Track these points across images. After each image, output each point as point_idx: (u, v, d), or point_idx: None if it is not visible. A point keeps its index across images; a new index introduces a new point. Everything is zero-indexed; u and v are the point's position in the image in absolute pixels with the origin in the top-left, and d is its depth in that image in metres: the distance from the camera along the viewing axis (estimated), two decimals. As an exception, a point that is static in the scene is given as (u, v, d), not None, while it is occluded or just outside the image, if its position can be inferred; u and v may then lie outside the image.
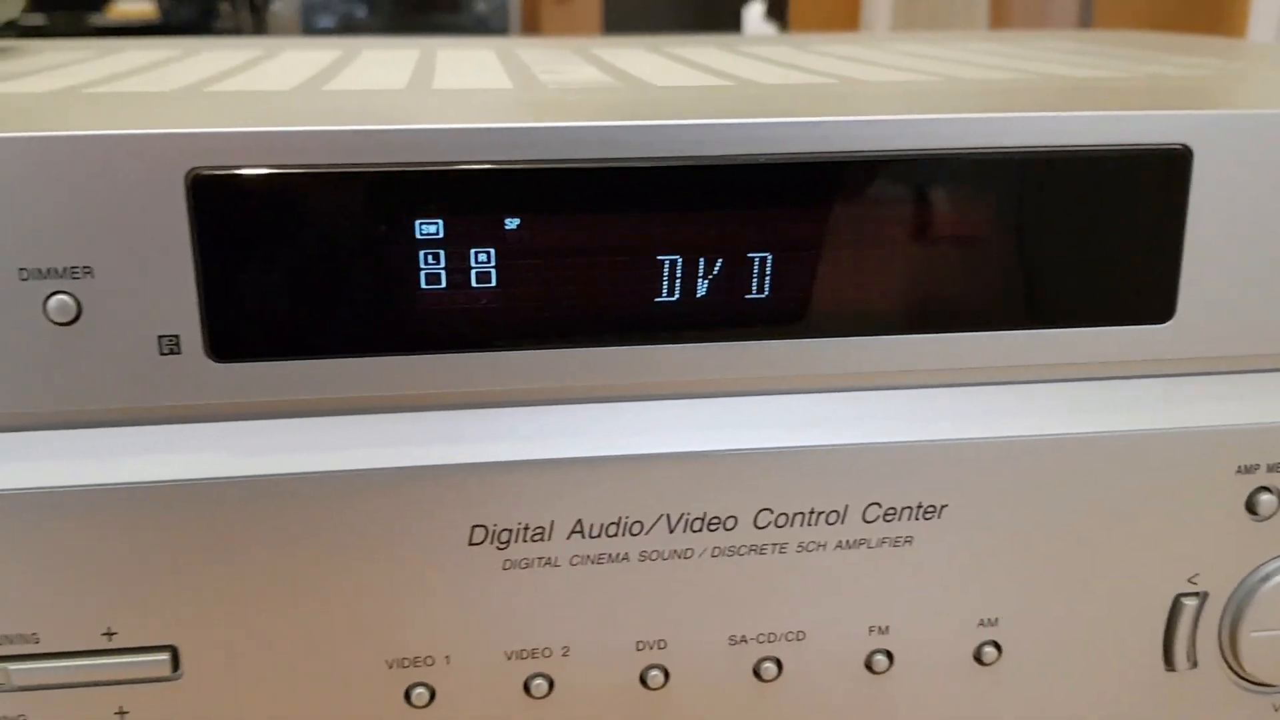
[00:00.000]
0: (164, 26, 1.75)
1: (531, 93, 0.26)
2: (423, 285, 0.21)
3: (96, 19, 1.65)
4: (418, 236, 0.20)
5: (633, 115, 0.21)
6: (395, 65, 0.33)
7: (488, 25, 2.09)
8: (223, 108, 0.23)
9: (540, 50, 0.40)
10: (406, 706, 0.22)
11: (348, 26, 2.14)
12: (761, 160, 0.20)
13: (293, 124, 0.20)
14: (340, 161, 0.20)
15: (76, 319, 0.20)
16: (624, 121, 0.20)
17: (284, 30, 2.06)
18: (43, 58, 0.36)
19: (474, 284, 0.21)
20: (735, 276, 0.21)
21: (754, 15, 1.34)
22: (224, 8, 1.87)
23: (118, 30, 1.63)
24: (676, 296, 0.21)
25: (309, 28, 2.11)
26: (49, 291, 0.19)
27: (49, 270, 0.19)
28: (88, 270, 0.19)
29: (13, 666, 0.21)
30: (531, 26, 2.15)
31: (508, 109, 0.23)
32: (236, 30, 1.81)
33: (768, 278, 0.21)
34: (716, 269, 0.21)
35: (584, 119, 0.21)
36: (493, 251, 0.21)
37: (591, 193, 0.21)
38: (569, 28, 2.13)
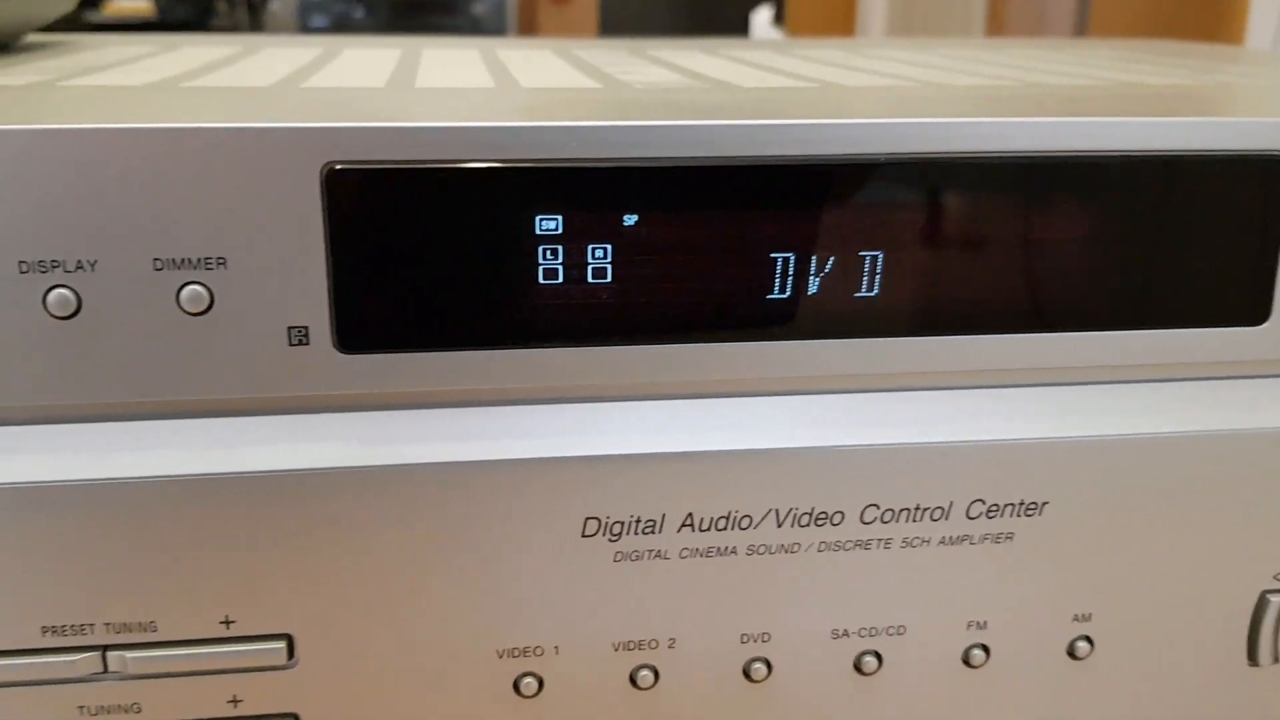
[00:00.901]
0: (160, 24, 1.74)
1: (620, 93, 0.26)
2: (541, 280, 0.21)
3: (92, 15, 1.64)
4: (537, 232, 0.21)
5: (735, 115, 0.21)
6: (468, 64, 0.33)
7: (484, 27, 2.09)
8: (335, 104, 0.23)
9: (601, 51, 0.40)
10: (515, 696, 0.23)
11: (343, 27, 2.13)
12: (881, 159, 0.21)
13: (421, 120, 0.20)
14: (468, 157, 0.20)
15: (209, 309, 0.20)
16: (741, 121, 0.21)
17: (281, 30, 2.05)
18: (106, 53, 0.36)
19: (590, 279, 0.21)
20: (846, 274, 0.22)
21: (762, 20, 1.34)
22: (221, 6, 1.86)
23: (114, 27, 1.62)
24: (788, 294, 0.22)
25: (305, 28, 2.10)
26: (182, 282, 0.20)
27: (183, 261, 0.20)
28: (221, 261, 0.20)
29: (129, 655, 0.21)
30: (528, 28, 2.15)
31: (604, 108, 0.23)
32: (233, 29, 1.81)
33: (878, 276, 0.22)
34: (828, 267, 0.22)
35: (690, 118, 0.21)
36: (610, 247, 0.21)
37: (707, 190, 0.21)
38: (565, 30, 2.13)
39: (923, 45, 0.46)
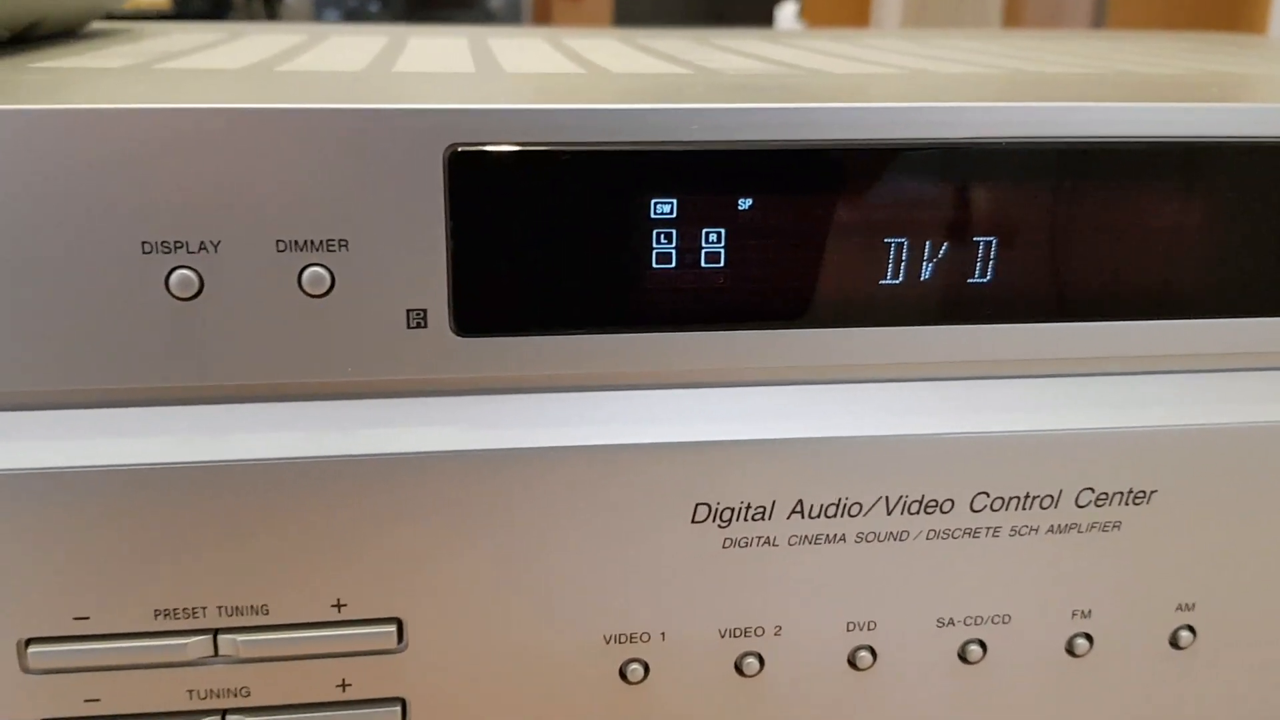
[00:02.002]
0: (177, 15, 1.75)
1: (709, 77, 0.26)
2: (654, 264, 0.21)
3: (111, 4, 1.64)
4: (653, 216, 0.21)
5: (843, 99, 0.21)
6: (535, 50, 0.33)
7: (499, 19, 2.09)
8: (435, 86, 0.23)
9: (666, 40, 0.40)
10: (621, 682, 0.22)
11: (358, 18, 2.13)
12: (1003, 145, 0.21)
13: (532, 102, 0.20)
14: (590, 140, 0.20)
15: (330, 291, 0.20)
16: (863, 104, 0.21)
17: (296, 21, 2.05)
18: (178, 39, 0.36)
19: (704, 264, 0.21)
20: (959, 260, 0.21)
21: (787, 14, 1.34)
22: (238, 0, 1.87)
23: (131, 17, 1.62)
24: (901, 279, 0.21)
25: (319, 19, 2.10)
26: (305, 264, 0.20)
27: (305, 243, 0.19)
28: (343, 243, 0.20)
29: (240, 638, 0.21)
30: (543, 21, 2.15)
31: (712, 91, 0.23)
32: (249, 20, 1.80)
33: (992, 262, 0.22)
34: (942, 252, 0.21)
35: (794, 101, 0.21)
36: (723, 231, 0.21)
37: (821, 174, 0.21)
38: (580, 23, 2.12)
39: (988, 35, 0.46)
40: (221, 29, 0.42)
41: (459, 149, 0.19)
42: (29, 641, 0.21)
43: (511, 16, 2.10)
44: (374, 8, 2.15)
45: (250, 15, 1.85)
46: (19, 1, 0.29)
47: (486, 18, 2.08)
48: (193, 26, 0.43)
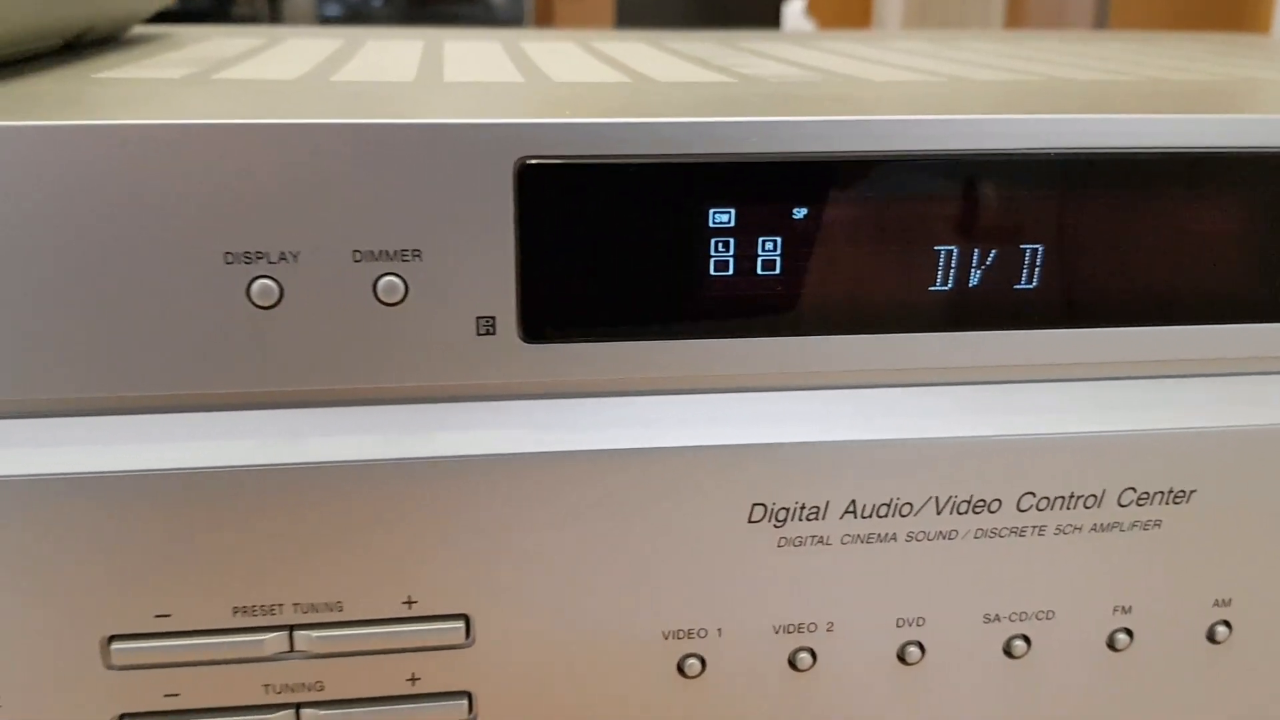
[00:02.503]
0: (182, 13, 1.75)
1: (754, 86, 0.27)
2: (712, 272, 0.21)
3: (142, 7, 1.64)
4: (712, 225, 0.21)
5: (891, 109, 0.22)
6: (575, 57, 0.34)
7: (501, 16, 2.09)
8: (493, 97, 0.24)
9: (693, 44, 0.41)
10: (679, 677, 0.23)
11: (361, 15, 2.12)
12: (1051, 156, 0.21)
13: (597, 116, 0.20)
14: (653, 153, 0.20)
15: (403, 300, 0.20)
16: (916, 116, 0.21)
17: (299, 18, 2.06)
18: (222, 44, 0.37)
19: (760, 271, 0.22)
20: (1007, 267, 0.22)
21: (794, 11, 1.34)
22: (242, -4, 1.87)
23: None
24: (950, 286, 0.22)
25: (323, 16, 2.10)
26: (379, 273, 0.20)
27: (380, 253, 0.20)
28: (417, 253, 0.20)
29: (315, 634, 0.22)
30: (545, 18, 2.15)
31: (740, 103, 0.24)
32: (253, 18, 1.81)
33: (1038, 269, 0.22)
34: (990, 259, 0.22)
35: (847, 113, 0.21)
36: (779, 240, 0.22)
37: (872, 184, 0.22)
38: (582, 19, 2.13)
39: (1005, 38, 0.47)
40: (257, 33, 0.43)
41: (529, 162, 0.20)
42: (111, 638, 0.21)
43: (514, 14, 2.10)
44: (377, 3, 2.15)
45: (254, 13, 1.85)
46: (72, 11, 0.30)
47: (489, 15, 2.08)
48: (228, 31, 0.43)
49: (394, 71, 0.29)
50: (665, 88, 0.26)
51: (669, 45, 0.41)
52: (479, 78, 0.28)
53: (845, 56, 0.36)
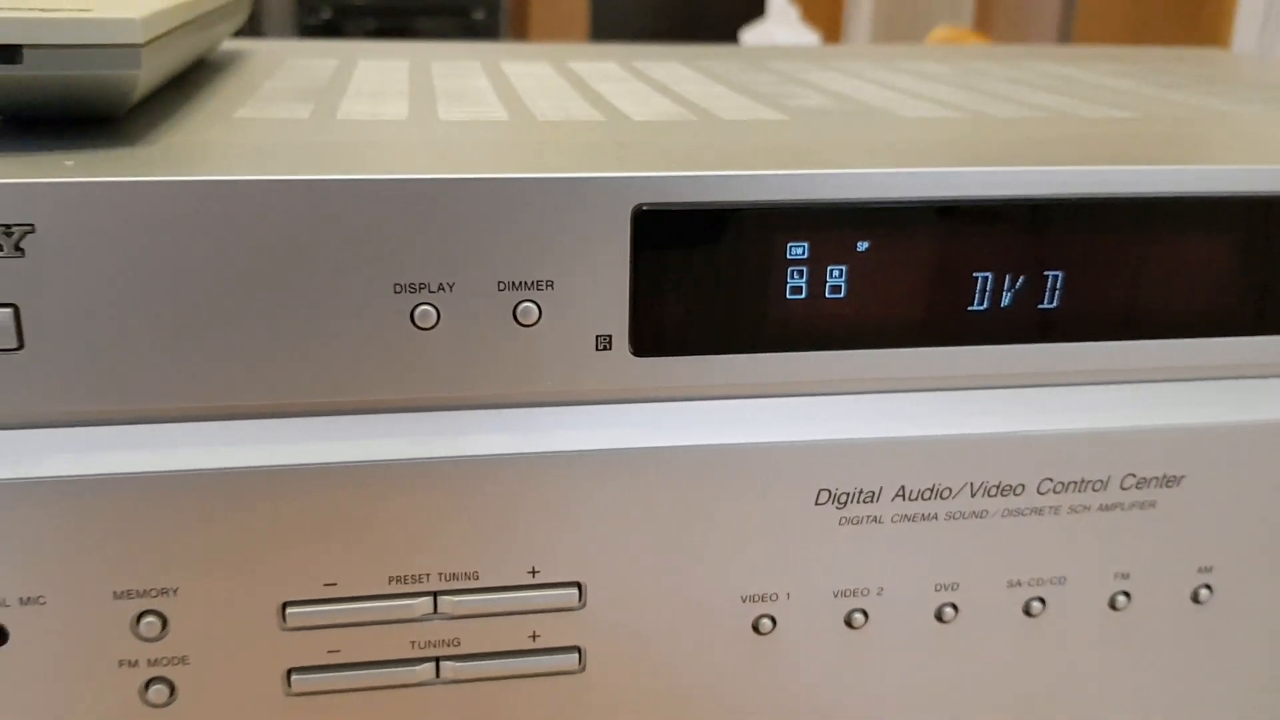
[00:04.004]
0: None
1: (808, 123, 0.31)
2: (788, 295, 0.26)
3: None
4: (788, 256, 0.25)
5: (929, 160, 0.26)
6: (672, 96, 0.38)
7: (480, 29, 2.09)
8: (642, 146, 0.28)
9: (724, 62, 0.44)
10: (753, 633, 0.28)
11: (342, 11, 2.12)
12: (1068, 199, 0.26)
13: (711, 169, 0.25)
14: (744, 199, 0.25)
15: (537, 322, 0.25)
16: (955, 169, 0.25)
17: (276, 20, 2.07)
18: (307, 70, 0.41)
19: (828, 294, 0.26)
20: (1032, 290, 0.27)
21: (779, 2, 1.38)
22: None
23: None
24: (985, 306, 0.27)
25: (302, 21, 2.10)
26: (519, 300, 0.24)
27: (519, 283, 0.24)
28: (549, 284, 0.24)
29: (456, 599, 0.26)
30: (520, 29, 2.17)
31: (804, 151, 0.28)
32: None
33: (1058, 292, 0.27)
34: (1019, 283, 0.26)
35: (897, 165, 0.26)
36: (845, 268, 0.26)
37: (922, 221, 0.26)
38: (558, 20, 2.15)
39: (1004, 58, 0.51)
40: (328, 51, 0.46)
41: (644, 207, 0.24)
42: (286, 604, 0.26)
43: (490, 26, 2.11)
44: (359, 2, 2.14)
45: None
46: (204, 44, 0.34)
47: (466, 28, 2.08)
48: (299, 49, 0.47)
49: (487, 109, 0.32)
50: (733, 127, 0.30)
51: (702, 64, 0.45)
52: (570, 115, 0.32)
53: (868, 82, 0.41)
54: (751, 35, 1.41)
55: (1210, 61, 0.51)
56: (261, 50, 0.46)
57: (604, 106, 0.33)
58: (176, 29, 0.28)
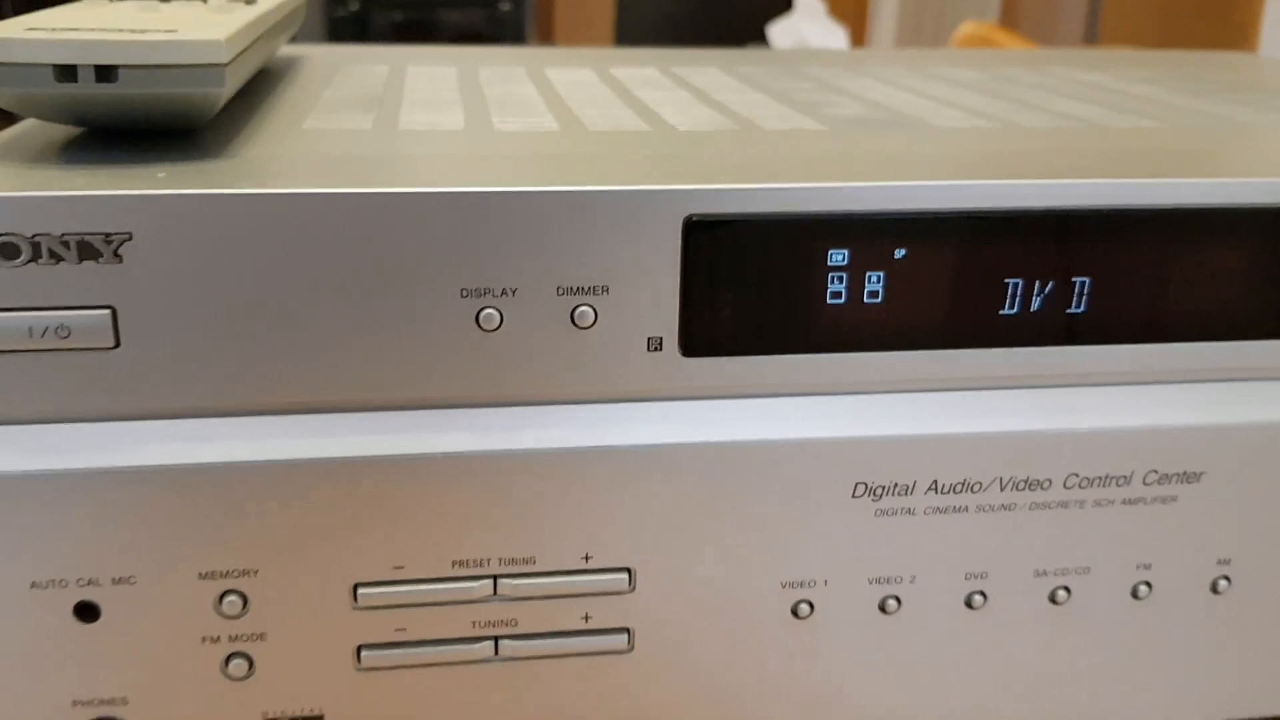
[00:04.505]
0: None
1: (848, 135, 0.32)
2: (829, 300, 0.27)
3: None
4: (829, 264, 0.27)
5: (962, 172, 0.27)
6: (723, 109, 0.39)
7: (506, 33, 2.09)
8: (686, 158, 0.29)
9: (761, 66, 0.46)
10: (792, 617, 0.29)
11: (369, 2, 2.13)
12: (1093, 210, 0.27)
13: (757, 182, 0.26)
14: (788, 210, 0.26)
15: (594, 324, 0.26)
16: (990, 181, 0.27)
17: (306, 11, 2.08)
18: (357, 77, 0.42)
19: (866, 299, 0.27)
20: (1061, 295, 0.28)
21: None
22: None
23: None
24: (1016, 310, 0.28)
25: (331, 13, 2.11)
26: (577, 304, 0.26)
27: (577, 289, 0.26)
28: (605, 289, 0.26)
29: (514, 582, 0.28)
30: (545, 34, 2.17)
31: (844, 161, 0.30)
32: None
33: (1085, 298, 0.28)
34: (1048, 289, 0.28)
35: (932, 179, 0.27)
36: (883, 274, 0.27)
37: (957, 230, 0.27)
38: (582, 12, 2.15)
39: (1033, 60, 0.52)
40: (377, 57, 0.48)
41: (694, 218, 0.26)
42: (358, 585, 0.27)
43: (516, 29, 2.10)
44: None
45: None
46: (262, 58, 0.36)
47: (492, 30, 2.08)
48: (349, 54, 0.49)
49: (537, 119, 0.34)
50: (774, 138, 0.32)
51: (740, 72, 0.46)
52: (618, 125, 0.33)
53: (902, 89, 0.42)
54: (779, 29, 1.42)
55: (1236, 66, 0.52)
56: (314, 56, 0.48)
57: (649, 116, 0.35)
58: (250, 46, 0.30)
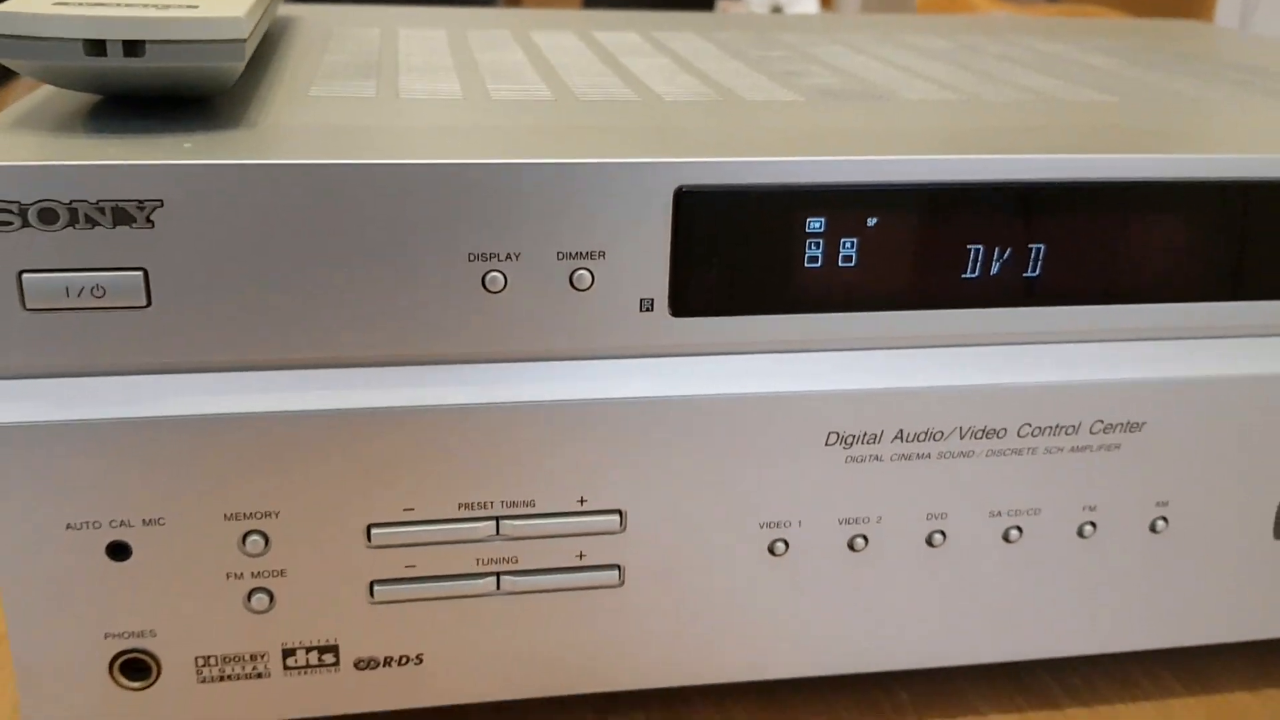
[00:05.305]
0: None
1: (826, 106, 0.35)
2: (806, 264, 0.30)
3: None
4: (806, 230, 0.29)
5: (932, 148, 0.30)
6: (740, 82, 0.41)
7: None
8: (683, 130, 0.32)
9: (744, 35, 0.48)
10: (769, 555, 0.32)
11: None
12: (1051, 183, 0.30)
13: (741, 155, 0.28)
14: (770, 181, 0.28)
15: (590, 287, 0.28)
16: (951, 156, 0.29)
17: None
18: (353, 40, 0.44)
19: (840, 263, 0.30)
20: (1017, 260, 0.30)
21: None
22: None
23: None
24: (977, 274, 0.30)
25: None
26: (575, 268, 0.28)
27: (575, 253, 0.28)
28: (601, 254, 0.28)
29: (515, 523, 0.30)
30: None
31: (823, 136, 0.32)
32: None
33: (1040, 262, 0.31)
34: (1006, 255, 0.30)
35: (904, 153, 0.29)
36: (856, 240, 0.30)
37: (924, 200, 0.30)
38: None
39: (995, 28, 0.54)
40: (366, 19, 0.49)
41: (684, 189, 0.28)
42: (371, 525, 0.30)
43: None
44: None
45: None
46: (267, 23, 0.37)
47: None
48: (338, 15, 0.50)
49: (529, 85, 0.36)
50: (755, 110, 0.34)
51: (718, 38, 0.48)
52: (609, 95, 0.35)
53: (873, 58, 0.44)
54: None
55: (1189, 37, 0.54)
56: (304, 17, 0.49)
57: (636, 85, 0.37)
58: (262, 17, 0.32)
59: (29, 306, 0.26)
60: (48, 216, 0.26)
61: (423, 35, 0.46)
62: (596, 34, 0.48)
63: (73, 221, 0.26)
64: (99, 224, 0.26)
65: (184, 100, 0.31)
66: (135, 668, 0.30)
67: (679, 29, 0.50)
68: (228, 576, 0.30)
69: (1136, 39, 0.52)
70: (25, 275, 0.26)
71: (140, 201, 0.26)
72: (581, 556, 0.31)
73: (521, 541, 0.31)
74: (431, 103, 0.33)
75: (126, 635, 0.30)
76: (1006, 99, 0.37)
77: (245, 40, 0.28)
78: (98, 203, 0.26)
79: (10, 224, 0.26)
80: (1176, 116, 0.36)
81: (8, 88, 1.35)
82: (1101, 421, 0.32)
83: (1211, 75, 0.43)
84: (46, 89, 0.33)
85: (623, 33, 0.48)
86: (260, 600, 0.30)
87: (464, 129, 0.30)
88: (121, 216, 0.26)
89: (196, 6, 0.28)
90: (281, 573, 0.30)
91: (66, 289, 0.26)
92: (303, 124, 0.30)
